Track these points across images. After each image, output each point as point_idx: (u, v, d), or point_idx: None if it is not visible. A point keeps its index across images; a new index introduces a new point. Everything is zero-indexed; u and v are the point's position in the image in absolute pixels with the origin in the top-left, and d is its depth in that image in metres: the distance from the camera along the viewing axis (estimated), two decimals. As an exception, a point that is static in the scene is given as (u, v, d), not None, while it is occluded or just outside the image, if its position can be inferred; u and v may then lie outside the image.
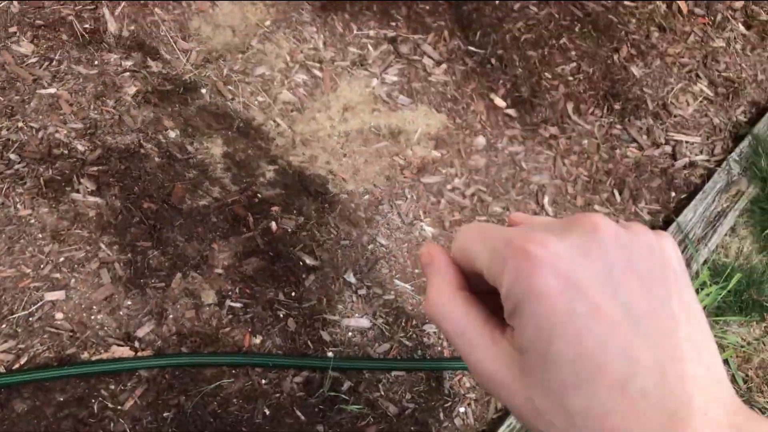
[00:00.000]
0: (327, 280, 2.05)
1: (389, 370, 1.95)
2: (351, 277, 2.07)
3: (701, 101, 2.85)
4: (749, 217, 2.53)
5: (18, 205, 1.95)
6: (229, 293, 1.96)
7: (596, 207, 2.43)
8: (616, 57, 2.86)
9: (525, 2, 2.90)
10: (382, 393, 1.91)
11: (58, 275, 1.88)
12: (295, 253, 2.07)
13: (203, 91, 2.29)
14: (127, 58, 2.27)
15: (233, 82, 2.34)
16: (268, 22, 2.48)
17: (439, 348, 2.03)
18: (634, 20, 3.02)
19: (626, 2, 3.06)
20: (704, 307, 2.19)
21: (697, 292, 2.18)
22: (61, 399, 1.72)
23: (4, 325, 1.78)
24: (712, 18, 3.16)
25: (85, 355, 1.78)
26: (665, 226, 2.41)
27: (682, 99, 2.83)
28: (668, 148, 2.66)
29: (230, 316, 1.92)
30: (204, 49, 2.37)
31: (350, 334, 1.99)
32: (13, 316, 1.80)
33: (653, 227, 2.39)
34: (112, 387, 1.76)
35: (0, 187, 1.96)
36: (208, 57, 2.36)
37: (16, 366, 1.74)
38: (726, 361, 2.18)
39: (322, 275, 2.05)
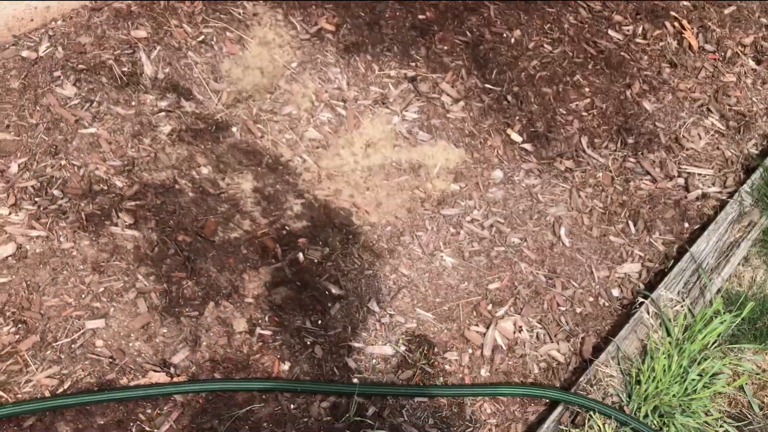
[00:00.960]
0: (351, 308, 2.14)
1: (412, 396, 2.03)
2: (374, 306, 2.16)
3: (713, 134, 2.93)
4: (762, 246, 2.59)
5: (61, 239, 2.07)
6: (259, 321, 2.05)
7: (612, 238, 2.51)
8: (628, 92, 2.96)
9: (539, 41, 3.01)
10: (406, 418, 1.99)
11: (98, 304, 1.99)
12: (321, 282, 2.16)
13: (234, 129, 2.42)
14: (162, 99, 2.40)
15: (262, 120, 2.46)
16: (294, 64, 2.62)
17: (460, 375, 2.10)
18: (645, 57, 3.12)
19: (638, 40, 3.16)
20: (718, 335, 2.25)
21: (711, 320, 2.25)
22: (102, 422, 1.81)
23: (48, 352, 1.89)
24: (723, 54, 3.26)
25: (123, 381, 1.88)
26: (679, 256, 2.48)
27: (694, 132, 2.92)
28: (681, 181, 2.74)
29: (260, 343, 2.01)
30: (234, 89, 2.51)
31: (374, 361, 2.07)
32: (57, 343, 1.90)
33: (667, 257, 2.47)
34: (149, 411, 1.85)
35: (44, 221, 2.09)
36: (238, 97, 2.49)
37: (60, 390, 1.84)
38: (741, 388, 2.23)
39: (346, 304, 2.14)
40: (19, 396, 1.81)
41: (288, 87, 2.56)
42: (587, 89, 2.92)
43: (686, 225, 2.63)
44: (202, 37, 2.56)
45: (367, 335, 2.10)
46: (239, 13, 2.67)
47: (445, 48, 2.86)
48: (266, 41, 2.63)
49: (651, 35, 3.20)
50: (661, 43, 3.19)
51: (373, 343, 2.09)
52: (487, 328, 2.20)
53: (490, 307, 2.25)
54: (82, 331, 1.93)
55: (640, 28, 3.21)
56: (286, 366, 2.00)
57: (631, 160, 2.76)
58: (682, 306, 2.31)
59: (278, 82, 2.56)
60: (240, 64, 2.56)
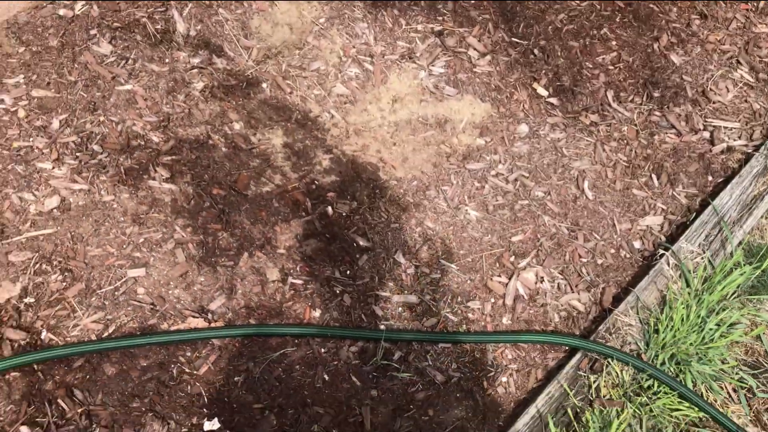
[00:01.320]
0: (378, 259, 2.22)
1: (436, 342, 2.12)
2: (400, 258, 2.24)
3: (741, 87, 2.92)
4: (786, 200, 2.60)
5: (102, 192, 2.18)
6: (291, 271, 2.15)
7: (635, 191, 2.55)
8: (656, 45, 2.95)
9: (567, -6, 3.00)
10: (430, 363, 2.09)
11: (138, 254, 2.10)
12: (349, 235, 2.25)
13: (264, 85, 2.48)
14: (194, 56, 2.47)
15: (291, 76, 2.52)
16: (322, 20, 2.66)
17: (483, 323, 2.19)
18: (675, 9, 3.09)
19: (667, -9, 3.13)
20: (737, 286, 2.30)
21: (730, 272, 2.29)
22: (145, 364, 1.94)
23: (93, 299, 2.01)
24: (755, 4, 3.21)
25: (164, 326, 2.00)
26: (701, 209, 2.51)
27: (722, 85, 2.91)
28: (706, 134, 2.75)
29: (292, 292, 2.11)
30: (264, 46, 2.56)
31: (400, 309, 2.16)
32: (101, 290, 2.03)
33: (689, 210, 2.50)
34: (189, 354, 1.97)
35: (86, 175, 2.19)
36: (268, 53, 2.55)
37: (105, 334, 1.96)
38: (758, 338, 2.29)
39: (374, 255, 2.23)
40: (68, 339, 1.94)
41: (316, 43, 2.61)
42: (614, 43, 2.92)
43: (710, 178, 2.65)
44: (232, -7, 2.61)
45: (393, 285, 2.19)
46: (268, -31, 2.71)
47: (472, 2, 2.87)
48: (294, -3, 2.67)
49: (681, -14, 3.17)
50: (691, -6, 3.16)
51: (399, 293, 2.18)
52: (510, 278, 2.27)
53: (512, 258, 2.32)
54: (124, 279, 2.05)
55: (671, -21, 3.18)
56: (316, 313, 2.10)
57: (657, 113, 2.77)
58: (702, 258, 2.35)
59: (307, 38, 2.61)
60: (269, 20, 2.61)
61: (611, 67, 2.85)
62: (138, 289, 2.05)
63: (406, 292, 2.19)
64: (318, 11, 2.68)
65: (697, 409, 2.07)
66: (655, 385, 2.09)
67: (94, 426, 1.82)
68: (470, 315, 2.20)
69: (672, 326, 2.16)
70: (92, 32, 2.44)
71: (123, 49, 2.44)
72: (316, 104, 2.49)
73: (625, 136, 2.68)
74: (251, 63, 2.51)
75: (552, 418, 1.98)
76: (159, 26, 2.49)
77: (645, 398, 2.06)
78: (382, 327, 2.11)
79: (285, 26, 2.61)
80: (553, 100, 2.72)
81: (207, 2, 2.57)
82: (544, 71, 2.78)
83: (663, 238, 2.46)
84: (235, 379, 1.96)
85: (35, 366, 1.88)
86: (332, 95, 2.52)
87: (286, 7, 2.64)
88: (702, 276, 2.30)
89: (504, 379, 2.11)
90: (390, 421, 1.97)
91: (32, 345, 1.91)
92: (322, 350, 2.04)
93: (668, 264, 2.32)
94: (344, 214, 2.29)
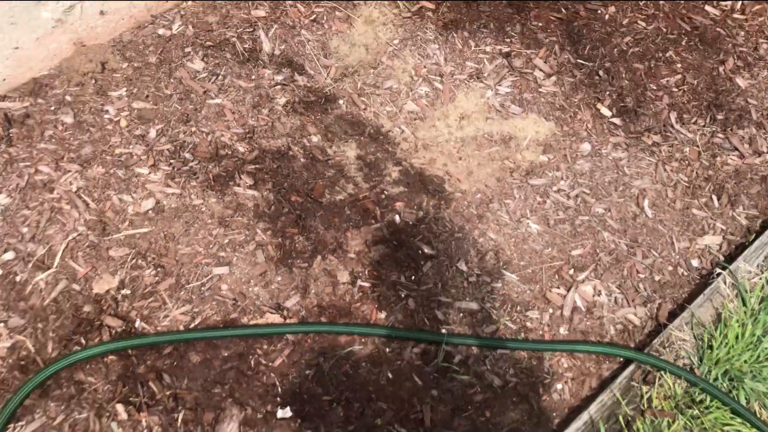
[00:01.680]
0: (442, 267, 2.37)
1: (495, 348, 2.24)
2: (463, 266, 2.38)
3: (808, 111, 2.95)
4: None
5: (192, 196, 2.39)
6: (360, 274, 2.31)
7: (694, 211, 2.61)
8: (721, 69, 3.01)
9: (633, 17, 3.09)
10: (489, 367, 2.21)
11: (223, 254, 2.30)
12: (415, 242, 2.40)
13: (341, 101, 2.66)
14: (278, 73, 2.68)
15: (366, 93, 2.70)
16: (396, 41, 2.83)
17: (540, 332, 2.30)
18: (742, 33, 3.14)
19: (735, 15, 3.18)
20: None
21: (788, 293, 2.34)
22: (226, 354, 2.13)
23: (182, 293, 2.22)
24: (826, 29, 3.22)
25: (244, 320, 2.19)
26: (761, 230, 2.55)
27: (788, 109, 2.94)
28: (770, 157, 2.79)
29: (360, 294, 2.28)
30: (341, 65, 2.75)
31: (461, 314, 2.29)
32: (189, 285, 2.23)
33: (749, 231, 2.55)
34: (265, 347, 2.15)
35: (178, 180, 2.41)
36: (345, 72, 2.73)
37: (192, 325, 2.16)
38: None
39: (437, 263, 2.37)
40: (159, 328, 2.15)
41: (390, 63, 2.78)
42: (679, 65, 2.99)
43: (772, 201, 2.69)
44: (314, 16, 2.81)
45: (455, 292, 2.33)
46: (347, -7, 2.90)
47: (540, 24, 3.00)
48: (371, 20, 2.85)
49: (750, 10, 3.21)
50: (759, 18, 3.19)
51: (460, 299, 2.32)
52: (568, 290, 2.38)
53: (571, 271, 2.42)
54: (209, 276, 2.25)
55: (739, 4, 3.22)
56: (382, 315, 2.25)
57: (720, 135, 2.82)
58: (760, 278, 2.40)
59: (381, 58, 2.79)
60: (347, 41, 2.80)
61: (675, 89, 2.92)
62: (222, 285, 2.25)
63: (467, 299, 2.32)
64: (392, 33, 2.85)
65: (749, 425, 2.12)
66: (708, 399, 2.15)
67: (179, 407, 2.02)
68: (528, 324, 2.31)
69: (726, 343, 2.22)
70: (187, 50, 2.68)
71: (214, 65, 2.66)
72: (387, 120, 2.66)
73: (687, 157, 2.75)
74: (329, 80, 2.70)
75: (604, 425, 2.08)
76: (247, 45, 2.71)
77: (697, 411, 2.13)
78: (443, 331, 2.25)
79: (361, 47, 2.80)
80: (616, 121, 2.81)
81: (291, 24, 2.77)
82: (608, 92, 2.87)
83: (721, 258, 2.52)
84: (307, 372, 2.13)
85: (129, 351, 2.10)
86: (403, 112, 2.69)
87: (363, 29, 2.83)
88: (759, 296, 2.35)
89: (559, 386, 2.21)
90: (449, 420, 2.10)
91: (127, 332, 2.13)
92: (387, 350, 2.19)
93: (725, 283, 2.38)
94: (411, 222, 2.44)
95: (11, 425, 1.94)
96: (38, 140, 2.43)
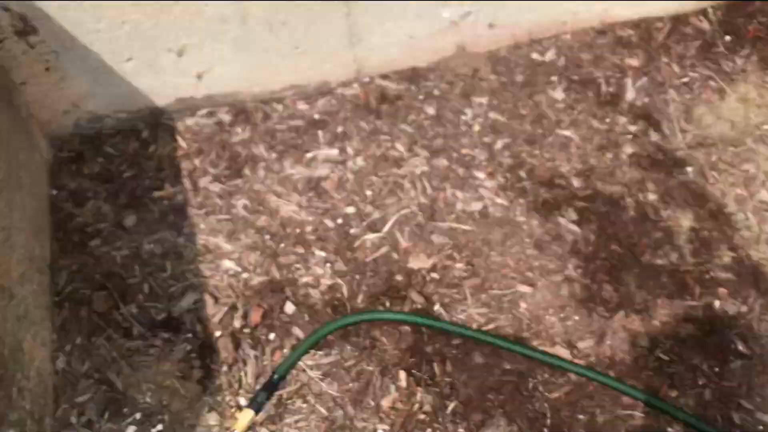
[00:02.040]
0: (753, 371, 2.17)
1: (787, 478, 2.01)
2: (775, 379, 2.17)
3: None
4: None
5: (517, 212, 2.48)
6: (660, 345, 2.21)
7: None
8: None
9: None
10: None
11: (530, 274, 2.35)
12: (729, 334, 2.23)
13: (689, 169, 2.57)
14: (633, 124, 2.67)
15: (718, 169, 2.58)
16: (766, 126, 2.67)
17: None
18: None
19: None
20: None
21: None
22: (508, 367, 2.16)
23: (483, 295, 2.30)
24: None
25: (534, 343, 2.21)
26: None
27: None
28: None
29: (656, 364, 2.18)
30: (700, 134, 2.66)
31: (760, 427, 2.09)
32: (491, 291, 2.31)
33: None
34: (547, 376, 2.15)
35: (509, 194, 2.51)
36: (702, 142, 2.64)
37: (484, 328, 2.24)
38: None
39: (749, 365, 2.18)
40: (454, 319, 2.25)
41: (754, 146, 2.63)
42: None
43: None
44: (687, 79, 2.76)
45: (760, 402, 2.13)
46: (728, 66, 2.79)
47: None
48: (746, 98, 2.72)
49: None
50: None
51: (765, 411, 2.11)
52: None
53: None
54: (512, 290, 2.31)
55: None
56: (673, 393, 2.13)
57: None
58: None
59: (745, 139, 2.64)
60: (713, 112, 2.70)
61: None
62: (521, 303, 2.29)
63: (771, 413, 2.11)
64: (765, 117, 2.69)
65: None
66: None
67: (452, 397, 2.10)
68: (835, 468, 2.04)
69: None
70: (552, 78, 2.78)
71: (573, 99, 2.73)
72: (734, 202, 2.51)
73: None
74: (683, 145, 2.63)
75: None
76: (611, 89, 2.74)
77: None
78: (735, 435, 2.07)
79: (727, 122, 2.68)
80: None
81: (660, 81, 2.75)
82: None
83: None
84: (579, 416, 2.08)
85: (422, 329, 2.22)
86: (754, 199, 2.52)
87: (734, 105, 2.71)
88: None
89: None
90: None
91: (425, 311, 2.26)
92: (669, 429, 2.07)
93: None
94: (731, 314, 2.28)
95: (313, 351, 2.17)
96: (401, 121, 2.69)
